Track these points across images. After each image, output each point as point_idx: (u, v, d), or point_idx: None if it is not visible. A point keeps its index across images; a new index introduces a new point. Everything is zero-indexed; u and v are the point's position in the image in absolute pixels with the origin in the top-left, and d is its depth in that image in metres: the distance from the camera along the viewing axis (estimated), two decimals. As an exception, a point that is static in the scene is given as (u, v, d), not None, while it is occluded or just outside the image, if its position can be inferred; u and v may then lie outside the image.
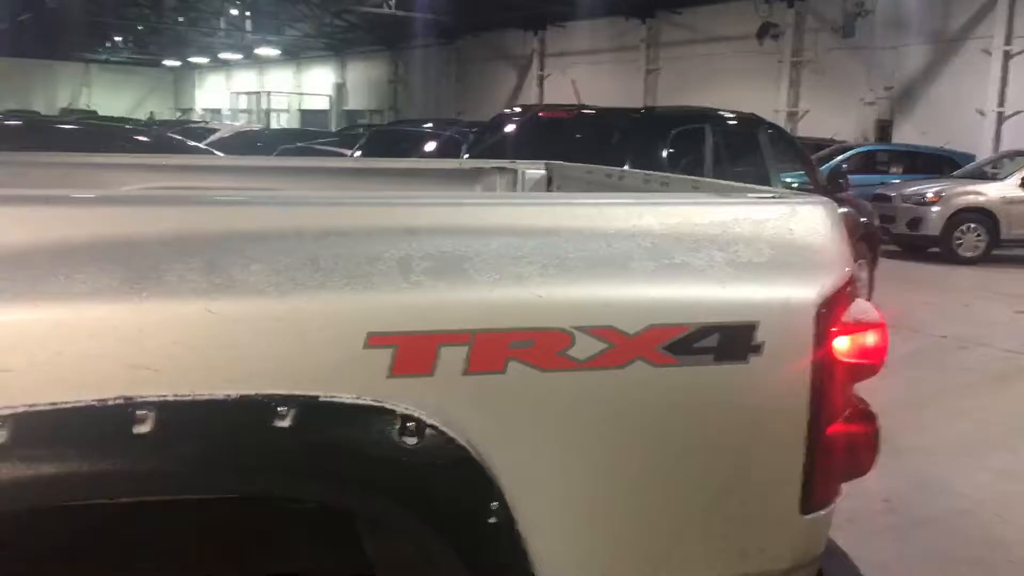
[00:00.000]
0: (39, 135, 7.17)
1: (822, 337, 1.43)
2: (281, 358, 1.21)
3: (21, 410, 1.13)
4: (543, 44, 27.33)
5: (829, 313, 1.43)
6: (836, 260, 1.48)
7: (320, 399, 1.22)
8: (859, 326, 1.49)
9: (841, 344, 1.46)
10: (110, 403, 1.15)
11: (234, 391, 1.19)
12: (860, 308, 1.51)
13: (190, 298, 1.19)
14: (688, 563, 1.46)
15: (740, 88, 20.99)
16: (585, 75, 22.21)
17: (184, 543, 1.62)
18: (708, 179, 2.15)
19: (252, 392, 1.20)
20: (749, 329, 1.39)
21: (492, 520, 1.30)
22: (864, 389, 1.61)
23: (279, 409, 1.20)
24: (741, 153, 7.29)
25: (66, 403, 1.14)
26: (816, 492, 1.47)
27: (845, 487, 1.58)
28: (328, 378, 1.23)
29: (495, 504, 1.30)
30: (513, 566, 1.33)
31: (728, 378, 1.39)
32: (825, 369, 1.44)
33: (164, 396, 1.17)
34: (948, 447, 5.18)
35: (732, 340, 1.38)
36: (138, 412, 1.15)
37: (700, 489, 1.43)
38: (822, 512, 1.51)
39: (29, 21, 27.49)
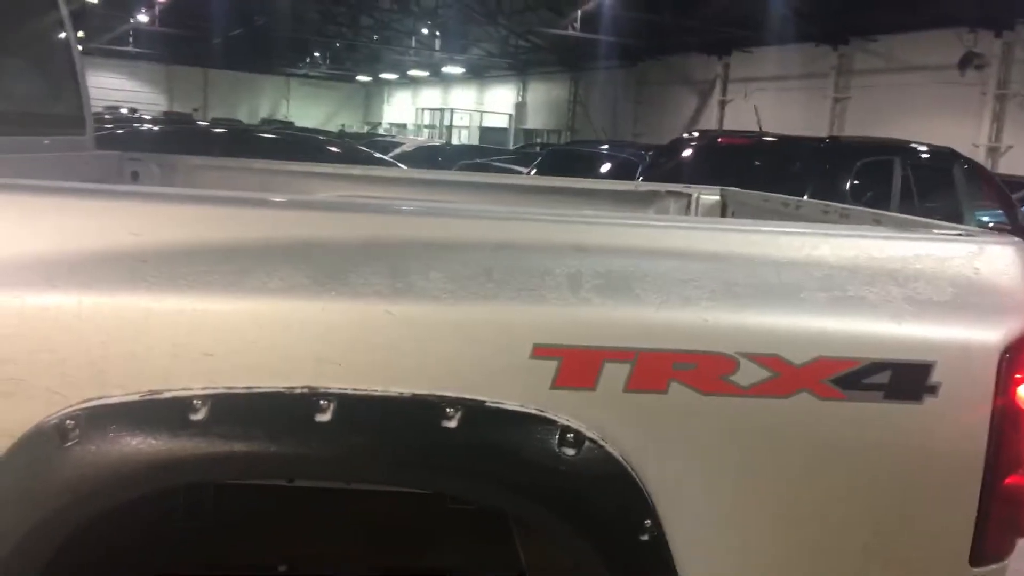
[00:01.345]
0: (242, 142, 7.74)
1: (1005, 383, 1.36)
2: (452, 362, 1.28)
3: (220, 391, 1.24)
4: (727, 69, 26.90)
5: (1014, 358, 1.36)
6: (1024, 303, 1.41)
7: (486, 404, 1.28)
8: (1048, 375, 1.40)
9: (1026, 392, 1.38)
10: (296, 391, 1.25)
11: (407, 389, 1.27)
12: (1049, 356, 1.42)
13: (372, 300, 1.27)
14: (844, 605, 1.42)
15: (936, 121, 19.90)
16: (769, 102, 21.68)
17: (353, 530, 1.72)
18: (891, 213, 2.08)
19: (423, 392, 1.27)
20: (925, 369, 1.34)
21: (644, 537, 1.31)
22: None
23: (447, 410, 1.26)
24: (933, 189, 6.92)
25: (258, 388, 1.25)
26: (988, 544, 1.40)
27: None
28: (494, 384, 1.28)
29: (648, 522, 1.31)
30: (662, 584, 1.33)
31: (898, 418, 1.35)
32: (1007, 416, 1.37)
33: (344, 389, 1.26)
34: None
35: (905, 379, 1.34)
36: (320, 402, 1.25)
37: (860, 530, 1.39)
38: (994, 566, 1.43)
39: (239, 37, 29.62)
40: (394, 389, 1.27)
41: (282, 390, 1.25)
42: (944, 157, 7.29)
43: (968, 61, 20.00)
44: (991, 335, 1.37)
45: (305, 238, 1.33)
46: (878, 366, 1.33)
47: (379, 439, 1.27)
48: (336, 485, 1.56)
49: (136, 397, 1.24)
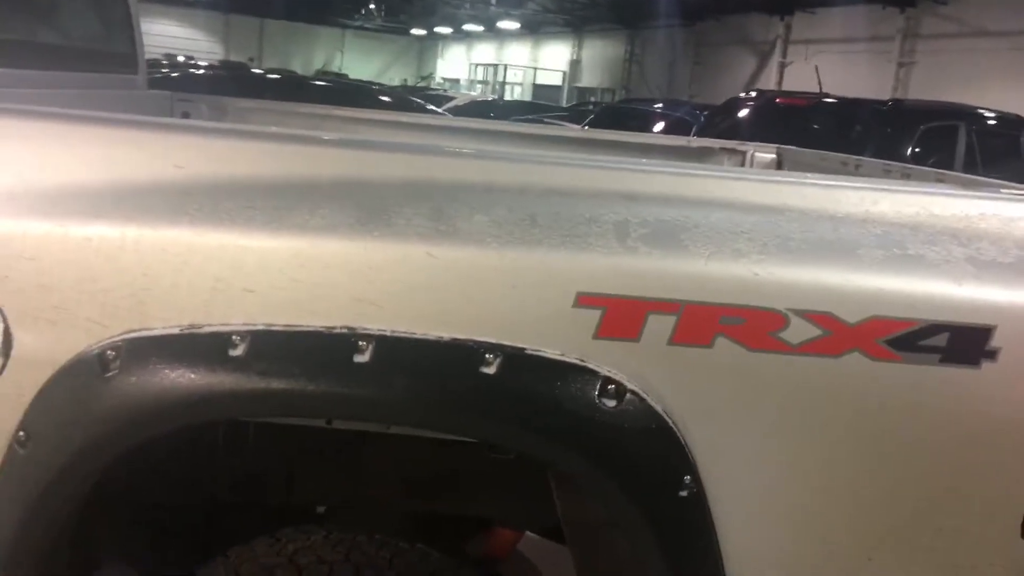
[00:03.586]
0: (296, 89, 7.76)
1: (1069, 351, 1.30)
2: (493, 307, 1.26)
3: (260, 327, 1.23)
4: (788, 30, 26.25)
5: (1081, 326, 1.30)
6: (1095, 269, 1.34)
7: (526, 351, 1.25)
8: (1115, 344, 1.34)
9: (1092, 361, 1.32)
10: (336, 331, 1.24)
11: (446, 333, 1.25)
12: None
13: (415, 241, 1.25)
14: (890, 571, 1.38)
15: (1008, 88, 19.24)
16: (830, 65, 21.13)
17: (390, 476, 1.72)
18: (956, 173, 2.00)
19: (463, 336, 1.25)
20: (984, 332, 1.29)
21: (683, 493, 1.29)
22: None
23: (487, 356, 1.24)
24: (999, 156, 6.71)
25: (298, 326, 1.24)
26: (1043, 517, 1.35)
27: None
28: (536, 332, 1.26)
29: (688, 478, 1.29)
30: (700, 542, 1.31)
31: (955, 382, 1.30)
32: (1069, 386, 1.31)
33: (383, 331, 1.24)
34: None
35: (963, 342, 1.29)
36: (360, 343, 1.23)
37: (910, 496, 1.35)
38: (1047, 541, 1.38)
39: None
40: (433, 333, 1.25)
41: (321, 329, 1.24)
42: (1012, 124, 7.06)
43: (1042, 26, 19.25)
44: (1057, 301, 1.30)
45: (349, 177, 1.31)
46: (935, 328, 1.28)
47: (416, 382, 1.25)
48: (375, 429, 1.55)
49: (176, 330, 1.24)
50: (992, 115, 7.12)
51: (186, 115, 2.86)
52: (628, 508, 1.30)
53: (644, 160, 1.56)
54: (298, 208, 1.26)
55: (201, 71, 9.73)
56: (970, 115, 6.92)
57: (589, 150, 2.98)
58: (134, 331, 1.24)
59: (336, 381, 1.25)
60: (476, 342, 1.25)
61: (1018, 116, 7.28)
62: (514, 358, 1.25)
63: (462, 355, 1.24)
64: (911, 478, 1.34)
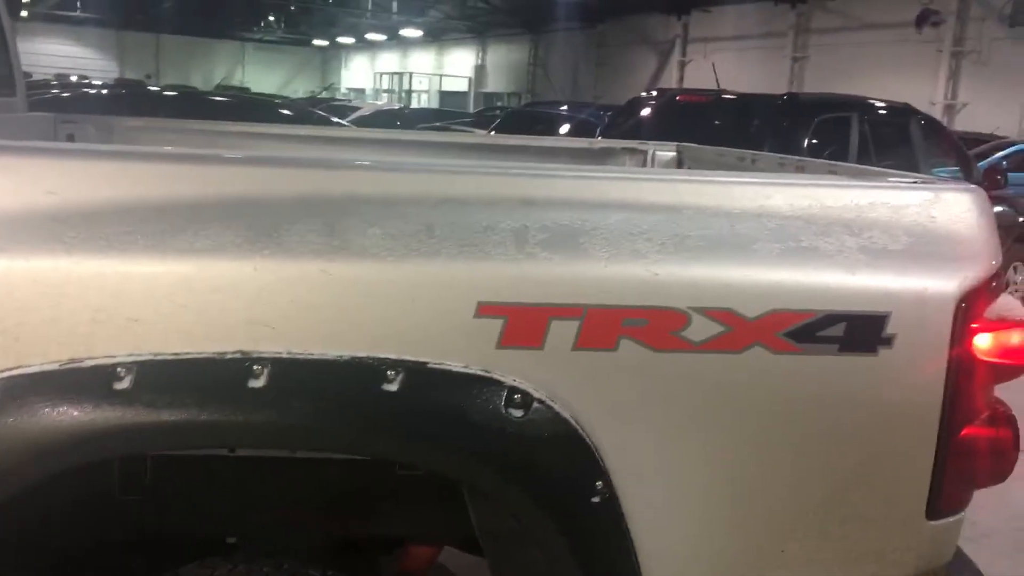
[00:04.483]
0: (193, 106, 7.55)
1: (961, 333, 1.33)
2: (392, 322, 1.22)
3: (146, 358, 1.17)
4: (686, 29, 26.79)
5: (970, 308, 1.34)
6: (981, 252, 1.38)
7: (429, 365, 1.22)
8: (1003, 324, 1.38)
9: (982, 342, 1.35)
10: (228, 356, 1.19)
11: (345, 352, 1.21)
12: (1004, 304, 1.40)
13: (308, 259, 1.21)
14: (801, 562, 1.39)
15: (893, 79, 20.00)
16: (728, 62, 21.65)
17: (302, 500, 1.66)
18: (847, 164, 2.04)
19: (363, 354, 1.21)
20: (879, 320, 1.31)
21: (595, 499, 1.28)
22: (1009, 399, 1.50)
23: (388, 373, 1.21)
24: (890, 145, 6.94)
25: (188, 354, 1.18)
26: (945, 497, 1.38)
27: (984, 499, 1.48)
28: (438, 345, 1.23)
29: (599, 483, 1.27)
30: (614, 547, 1.30)
31: (854, 370, 1.32)
32: (963, 367, 1.34)
33: (279, 353, 1.20)
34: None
35: (860, 330, 1.31)
36: (254, 367, 1.19)
37: (817, 485, 1.36)
38: (951, 519, 1.42)
39: (191, 0, 28.95)
40: (332, 352, 1.21)
41: (212, 356, 1.19)
42: (901, 113, 7.31)
43: (925, 18, 20.09)
44: (947, 284, 1.34)
45: (236, 195, 1.26)
46: (832, 318, 1.30)
47: (316, 404, 1.21)
48: (282, 454, 1.50)
49: (56, 366, 1.17)
50: (882, 105, 7.37)
51: (71, 137, 2.73)
52: (542, 518, 1.28)
53: (539, 164, 1.54)
54: (182, 230, 1.21)
55: (94, 90, 9.40)
56: (862, 106, 7.14)
57: (493, 155, 2.96)
58: (10, 370, 1.17)
59: (231, 409, 1.20)
60: (377, 359, 1.21)
61: (906, 105, 7.55)
62: (417, 373, 1.22)
63: (363, 373, 1.21)
64: (817, 468, 1.35)
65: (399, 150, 3.02)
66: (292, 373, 1.19)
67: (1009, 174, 8.76)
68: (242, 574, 1.39)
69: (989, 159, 13.77)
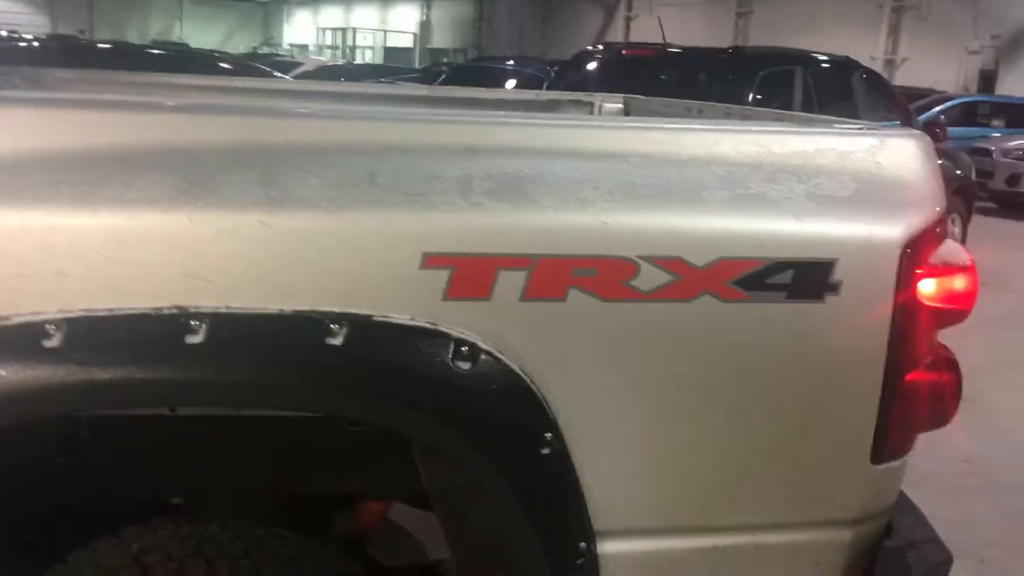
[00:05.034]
0: (129, 59, 7.31)
1: (906, 279, 1.34)
2: (335, 275, 1.19)
3: (77, 314, 1.13)
4: (632, -16, 26.67)
5: (915, 253, 1.34)
6: (926, 197, 1.38)
7: (374, 318, 1.19)
8: (947, 269, 1.39)
9: (926, 287, 1.36)
10: (164, 312, 1.14)
11: (287, 306, 1.17)
12: (949, 250, 1.41)
13: (246, 210, 1.17)
14: (750, 508, 1.40)
15: (836, 34, 20.17)
16: (674, 17, 21.60)
17: (249, 458, 1.63)
18: (793, 112, 2.04)
19: (305, 308, 1.17)
20: (826, 267, 1.31)
21: (545, 451, 1.26)
22: (951, 347, 1.52)
23: (331, 327, 1.17)
24: (832, 98, 7.01)
25: (121, 310, 1.14)
26: (890, 441, 1.40)
27: (925, 444, 1.50)
28: (383, 297, 1.20)
29: (549, 435, 1.26)
30: (565, 499, 1.29)
31: (801, 317, 1.32)
32: (908, 313, 1.35)
33: (217, 308, 1.16)
34: (1036, 411, 4.96)
35: (807, 278, 1.30)
36: (192, 322, 1.14)
37: (765, 431, 1.37)
38: (895, 463, 1.43)
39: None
40: (273, 306, 1.17)
41: (147, 311, 1.14)
42: (843, 67, 7.38)
43: (867, -26, 20.23)
44: (892, 230, 1.34)
45: (169, 144, 1.21)
46: (780, 265, 1.29)
47: (257, 360, 1.17)
48: (227, 412, 1.46)
49: None
50: (825, 59, 7.43)
51: (-5, 89, 2.61)
52: (490, 471, 1.27)
53: (484, 112, 1.51)
54: (112, 181, 1.15)
55: (25, 43, 9.05)
56: (805, 59, 7.20)
57: (437, 107, 2.91)
58: None
59: (168, 366, 1.15)
60: (320, 312, 1.18)
61: (848, 59, 7.62)
62: (361, 326, 1.19)
63: (305, 327, 1.17)
64: (765, 415, 1.36)
65: (335, 102, 2.94)
66: (231, 328, 1.15)
67: (948, 128, 8.92)
68: (186, 535, 1.36)
69: (928, 113, 14.02)
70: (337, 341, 1.17)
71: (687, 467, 1.36)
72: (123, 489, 1.63)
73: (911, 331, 1.36)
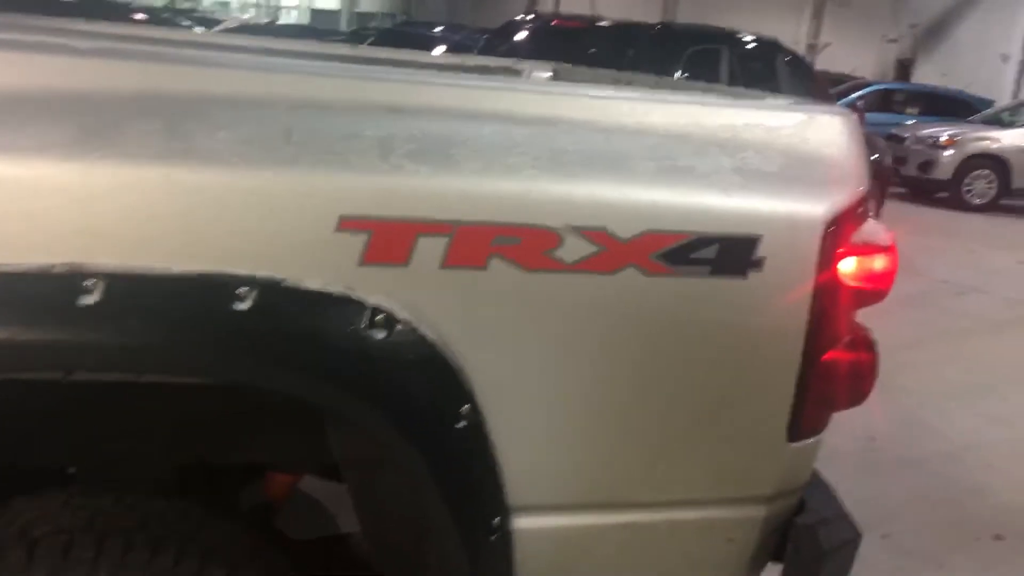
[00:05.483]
0: (38, 7, 6.95)
1: (828, 258, 1.33)
2: (243, 236, 1.12)
3: (-42, 270, 1.04)
4: (564, -45, 26.55)
5: (838, 232, 1.34)
6: (851, 176, 1.38)
7: (284, 283, 1.13)
8: (868, 248, 1.39)
9: (847, 266, 1.36)
10: (55, 270, 1.06)
11: (191, 267, 1.10)
12: (870, 229, 1.41)
13: (147, 163, 1.09)
14: (669, 483, 1.39)
15: (760, 16, 20.45)
16: (604, -9, 21.62)
17: (151, 427, 1.55)
18: (722, 86, 2.02)
19: (210, 270, 1.11)
20: (751, 243, 1.29)
21: (461, 424, 1.22)
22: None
23: (238, 291, 1.11)
24: (757, 78, 7.09)
25: (7, 267, 1.05)
26: (806, 419, 1.40)
27: (834, 422, 1.51)
28: (294, 261, 1.14)
29: (466, 408, 1.22)
30: (480, 472, 1.26)
31: (724, 293, 1.30)
32: (828, 291, 1.35)
33: (114, 267, 1.08)
34: (939, 391, 5.14)
35: (731, 253, 1.29)
36: (85, 282, 1.06)
37: (686, 407, 1.35)
38: (810, 441, 1.44)
39: None
40: (175, 267, 1.10)
41: (37, 269, 1.06)
42: (769, 48, 7.47)
43: (793, -42, 20.54)
44: (816, 208, 1.33)
45: (63, 90, 1.12)
46: (705, 240, 1.27)
47: (156, 324, 1.10)
48: (127, 378, 1.38)
49: None
50: (751, 39, 7.51)
51: None
52: (404, 444, 1.22)
53: (407, 71, 1.45)
54: (1, 126, 1.06)
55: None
56: (731, 39, 7.26)
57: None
58: None
59: (59, 328, 1.07)
60: (226, 275, 1.11)
61: (774, 40, 7.71)
62: (271, 291, 1.12)
63: (210, 291, 1.10)
64: (687, 391, 1.34)
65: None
66: (129, 289, 1.08)
67: (865, 114, 9.13)
68: (78, 507, 1.28)
69: (846, 98, 14.35)
70: (244, 306, 1.11)
71: (605, 442, 1.34)
72: (12, 457, 1.54)
73: (831, 310, 1.36)
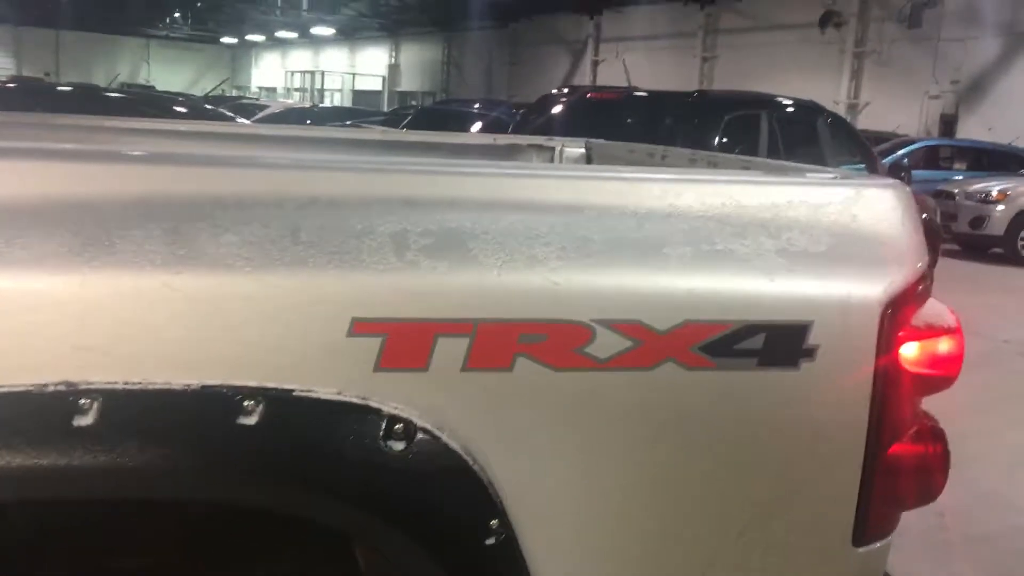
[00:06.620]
0: (91, 103, 7.16)
1: (887, 342, 1.22)
2: (251, 344, 1.04)
3: (-54, 393, 0.97)
4: (599, 29, 26.98)
5: (896, 314, 1.22)
6: (907, 252, 1.27)
7: (294, 393, 1.05)
8: (931, 331, 1.27)
9: (909, 351, 1.25)
10: (49, 389, 0.99)
11: (194, 380, 1.03)
12: (933, 310, 1.29)
13: (147, 271, 1.02)
14: (719, 595, 1.26)
15: (799, 79, 20.47)
16: (640, 62, 21.86)
17: (165, 545, 1.47)
18: (761, 159, 1.93)
19: (215, 382, 1.03)
20: (801, 330, 1.19)
21: (491, 541, 1.12)
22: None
23: (246, 403, 1.03)
24: (798, 142, 7.00)
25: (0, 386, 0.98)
26: (873, 521, 1.27)
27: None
28: (305, 370, 1.06)
29: (495, 522, 1.12)
30: (513, 593, 1.15)
31: (774, 386, 1.19)
32: (889, 380, 1.23)
33: (112, 383, 1.01)
34: (1008, 458, 4.88)
35: (780, 342, 1.18)
36: (81, 401, 0.99)
37: (737, 513, 1.23)
38: (878, 544, 1.30)
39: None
40: (177, 381, 1.02)
41: (30, 388, 0.99)
42: (808, 111, 7.39)
43: (828, 19, 20.65)
44: (872, 289, 1.22)
45: (58, 196, 1.06)
46: (750, 329, 1.17)
47: (156, 444, 1.02)
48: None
49: None
50: (790, 102, 7.44)
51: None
52: (429, 565, 1.12)
53: (422, 160, 1.38)
54: None
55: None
56: (770, 103, 7.20)
57: (389, 152, 2.78)
58: None
59: (53, 452, 1.00)
60: (232, 387, 1.03)
61: (813, 102, 7.63)
62: (280, 403, 1.04)
63: (215, 405, 1.03)
64: (736, 495, 1.22)
65: (285, 146, 2.81)
66: (128, 407, 1.01)
67: (911, 171, 8.97)
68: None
69: (892, 156, 14.17)
70: (251, 420, 1.03)
71: (651, 553, 1.22)
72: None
73: (893, 399, 1.24)
